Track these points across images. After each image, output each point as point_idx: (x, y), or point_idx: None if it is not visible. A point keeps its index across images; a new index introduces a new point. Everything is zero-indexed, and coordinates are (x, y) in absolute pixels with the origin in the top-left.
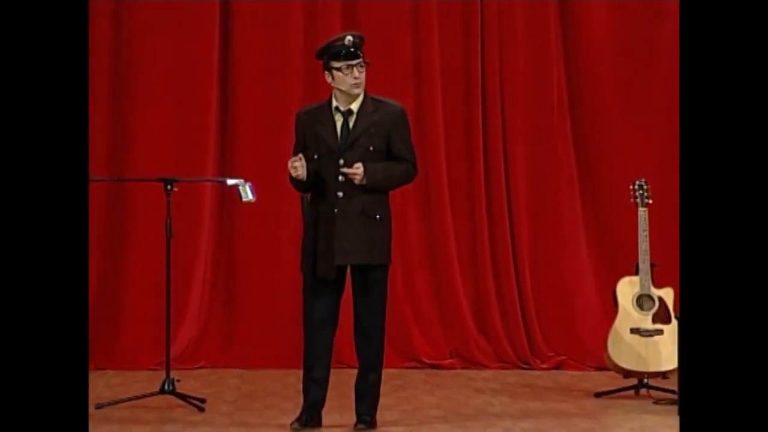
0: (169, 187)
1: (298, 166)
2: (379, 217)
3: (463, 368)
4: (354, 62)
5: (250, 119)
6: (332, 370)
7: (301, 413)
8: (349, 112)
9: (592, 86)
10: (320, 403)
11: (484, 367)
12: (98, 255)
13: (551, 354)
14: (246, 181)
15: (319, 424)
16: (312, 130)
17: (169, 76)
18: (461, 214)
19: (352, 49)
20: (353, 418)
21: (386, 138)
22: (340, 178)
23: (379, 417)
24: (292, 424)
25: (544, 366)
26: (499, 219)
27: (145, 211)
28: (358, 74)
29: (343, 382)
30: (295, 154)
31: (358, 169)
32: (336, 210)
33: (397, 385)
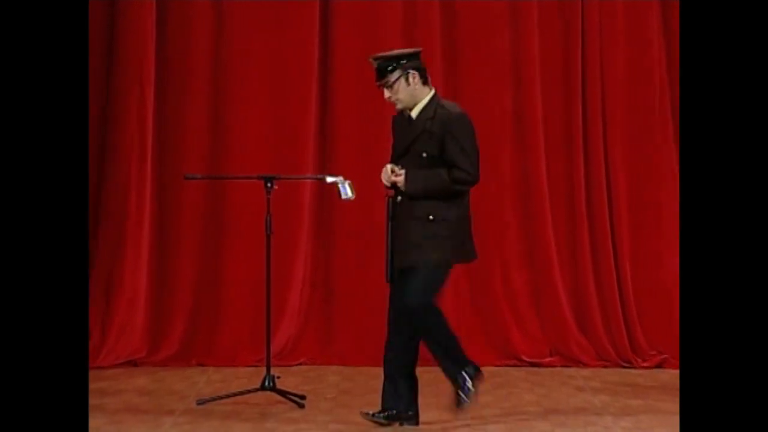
0: (269, 184)
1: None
2: (433, 219)
3: (562, 366)
4: (379, 83)
5: (349, 117)
6: (428, 369)
7: None
8: (410, 119)
9: None
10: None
11: (584, 365)
12: (198, 252)
13: (653, 352)
14: (345, 178)
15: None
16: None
17: (268, 74)
18: (560, 212)
19: (377, 71)
20: (451, 416)
21: (441, 144)
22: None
23: (478, 414)
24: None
25: (645, 364)
26: (599, 217)
27: (244, 209)
28: (387, 94)
29: (441, 380)
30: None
31: (399, 177)
32: (395, 214)
33: (496, 383)
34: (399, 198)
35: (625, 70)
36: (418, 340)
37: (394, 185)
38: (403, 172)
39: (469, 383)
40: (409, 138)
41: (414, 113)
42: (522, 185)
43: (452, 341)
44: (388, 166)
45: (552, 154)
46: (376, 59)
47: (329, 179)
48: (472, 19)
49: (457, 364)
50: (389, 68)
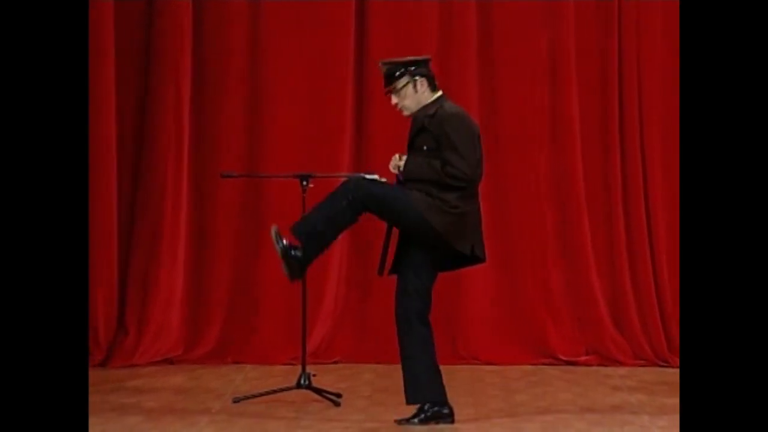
0: (305, 182)
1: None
2: (429, 195)
3: (599, 365)
4: (386, 89)
5: (385, 115)
6: (462, 367)
7: None
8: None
9: None
10: None
11: (621, 364)
12: (234, 251)
13: None
14: (381, 176)
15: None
16: None
17: (304, 73)
18: (597, 210)
19: (385, 77)
20: (487, 414)
21: (437, 140)
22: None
23: (514, 412)
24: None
25: None
26: (635, 215)
27: (281, 207)
28: (395, 100)
29: (478, 379)
30: None
31: (401, 161)
32: None
33: (532, 382)
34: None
35: (662, 68)
36: (430, 331)
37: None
38: (405, 157)
39: (297, 255)
40: (412, 133)
41: (417, 112)
42: (558, 183)
43: (329, 236)
44: (396, 155)
45: (588, 152)
46: (385, 63)
47: (366, 177)
48: (508, 18)
49: (306, 243)
50: (397, 73)
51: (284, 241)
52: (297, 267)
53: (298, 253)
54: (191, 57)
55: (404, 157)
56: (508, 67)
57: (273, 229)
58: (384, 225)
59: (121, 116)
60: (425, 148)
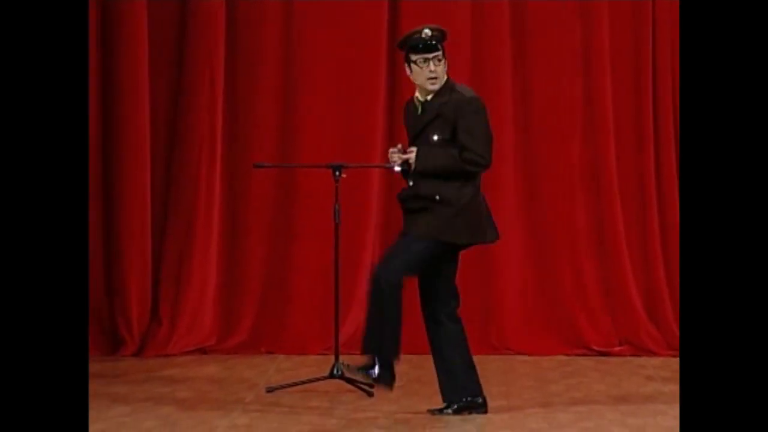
0: (337, 173)
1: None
2: (439, 199)
3: (632, 356)
4: (430, 55)
5: None
6: (497, 357)
7: None
8: (424, 102)
9: None
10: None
11: (654, 354)
12: (267, 241)
13: None
14: (411, 166)
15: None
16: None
17: (337, 70)
18: (630, 201)
19: (431, 42)
20: (521, 404)
21: (452, 127)
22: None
23: (548, 402)
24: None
25: None
26: (669, 206)
27: (313, 198)
28: (434, 68)
29: (511, 369)
30: None
31: (411, 153)
32: (405, 196)
33: (566, 372)
34: (411, 182)
35: None
36: (461, 327)
37: (405, 164)
38: (414, 149)
39: (375, 373)
40: (421, 123)
41: (429, 97)
42: (592, 176)
43: (394, 331)
44: (392, 149)
45: (622, 145)
46: (436, 29)
47: (397, 168)
48: (541, 12)
49: (379, 354)
50: (444, 42)
51: (359, 368)
52: (385, 378)
53: (377, 369)
54: (224, 54)
55: (410, 150)
56: (541, 61)
57: (345, 369)
58: None
59: (155, 113)
60: (436, 138)
